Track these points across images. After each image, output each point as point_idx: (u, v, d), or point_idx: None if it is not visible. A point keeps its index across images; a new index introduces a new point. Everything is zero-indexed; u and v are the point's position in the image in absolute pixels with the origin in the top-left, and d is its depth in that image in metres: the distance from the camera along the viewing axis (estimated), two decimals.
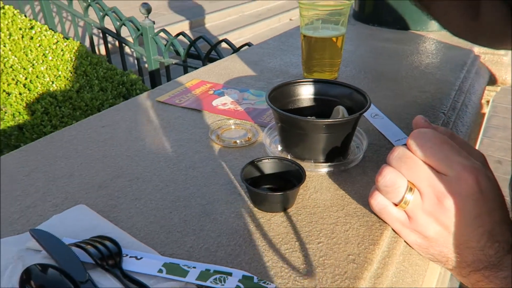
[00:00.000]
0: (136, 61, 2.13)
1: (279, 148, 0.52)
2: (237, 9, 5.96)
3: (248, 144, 0.54)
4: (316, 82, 0.55)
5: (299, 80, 0.55)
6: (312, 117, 0.53)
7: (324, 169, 0.48)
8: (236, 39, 5.07)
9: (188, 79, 0.78)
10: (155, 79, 2.11)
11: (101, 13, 2.24)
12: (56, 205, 0.43)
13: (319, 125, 0.46)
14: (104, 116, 0.64)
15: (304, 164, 0.47)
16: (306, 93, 0.55)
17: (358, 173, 0.48)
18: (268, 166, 0.45)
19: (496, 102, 3.39)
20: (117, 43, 2.36)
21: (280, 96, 0.53)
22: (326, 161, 0.48)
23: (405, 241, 0.39)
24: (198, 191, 0.44)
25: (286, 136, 0.50)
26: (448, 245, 0.36)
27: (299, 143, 0.48)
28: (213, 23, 5.35)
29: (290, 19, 6.27)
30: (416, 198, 0.36)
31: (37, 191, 0.45)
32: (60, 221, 0.39)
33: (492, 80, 0.97)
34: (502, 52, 0.94)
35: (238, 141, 0.54)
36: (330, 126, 0.46)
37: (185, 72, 1.91)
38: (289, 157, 0.49)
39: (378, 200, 0.38)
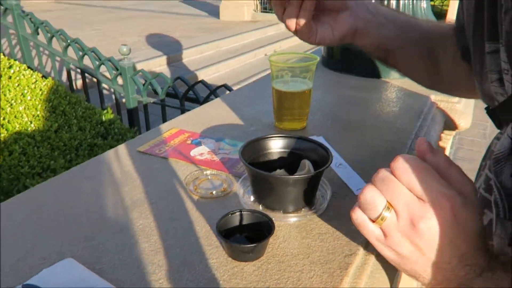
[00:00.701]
0: (114, 97, 2.17)
1: (252, 198, 0.56)
2: (213, 44, 6.13)
3: (223, 194, 0.59)
4: (285, 137, 0.61)
5: (269, 136, 0.60)
6: (281, 170, 0.58)
7: (292, 218, 0.53)
8: (213, 74, 5.19)
9: (168, 128, 0.82)
10: (133, 116, 2.15)
11: (80, 53, 2.29)
12: (44, 258, 0.46)
13: (286, 180, 0.51)
14: (86, 167, 0.67)
15: (274, 214, 0.52)
16: (275, 147, 0.61)
17: (323, 222, 0.53)
18: (241, 219, 0.50)
19: (462, 135, 3.58)
20: (95, 79, 2.40)
21: (252, 150, 0.58)
22: (294, 211, 0.53)
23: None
24: (178, 243, 0.48)
25: (257, 188, 0.55)
26: (420, 264, 0.39)
27: (269, 195, 0.54)
28: (190, 58, 5.47)
29: (265, 54, 6.47)
30: (392, 217, 0.39)
31: (26, 243, 0.48)
32: (50, 275, 0.42)
33: (451, 126, 1.06)
34: (455, 99, 1.03)
35: (214, 192, 0.59)
36: (296, 181, 0.51)
37: (163, 110, 1.96)
38: (260, 207, 0.54)
39: (357, 215, 0.41)
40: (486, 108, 0.47)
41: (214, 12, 8.89)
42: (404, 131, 0.82)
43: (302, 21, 0.59)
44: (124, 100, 2.18)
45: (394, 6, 1.11)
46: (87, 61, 2.31)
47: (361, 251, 0.48)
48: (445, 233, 0.37)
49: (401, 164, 0.39)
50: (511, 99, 0.40)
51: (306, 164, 0.56)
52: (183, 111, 1.84)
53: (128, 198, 0.58)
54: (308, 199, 0.54)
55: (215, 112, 0.91)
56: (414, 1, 1.12)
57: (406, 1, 1.11)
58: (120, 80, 2.06)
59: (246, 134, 0.80)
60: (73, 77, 2.66)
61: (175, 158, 0.69)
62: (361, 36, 0.62)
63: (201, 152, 0.72)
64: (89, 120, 1.80)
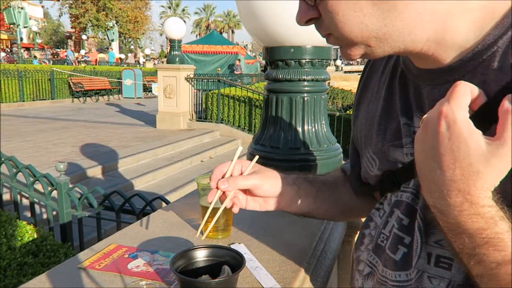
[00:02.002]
0: (46, 213, 2.16)
1: None
2: (150, 152, 6.29)
3: None
4: (208, 247, 0.74)
5: (196, 247, 0.74)
6: (206, 275, 0.71)
7: None
8: (150, 181, 5.26)
9: (106, 244, 0.92)
10: (66, 231, 2.14)
11: (14, 170, 2.31)
12: None
13: (209, 283, 0.64)
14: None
15: None
16: (201, 256, 0.73)
17: None
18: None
19: None
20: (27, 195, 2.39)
21: (182, 260, 0.70)
22: None
23: None
24: None
25: None
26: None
27: None
28: (127, 167, 5.53)
29: (201, 161, 6.73)
30: None
31: None
32: None
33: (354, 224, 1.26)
34: None
35: None
36: (217, 283, 0.64)
37: (98, 223, 1.99)
38: None
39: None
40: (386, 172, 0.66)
41: (150, 121, 9.23)
42: (311, 235, 0.99)
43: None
44: (54, 212, 2.17)
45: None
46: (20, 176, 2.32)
47: None
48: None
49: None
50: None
51: (226, 270, 0.69)
52: (118, 223, 1.89)
53: None
54: None
55: (150, 228, 1.03)
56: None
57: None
58: (53, 194, 2.09)
59: (178, 245, 0.92)
60: (3, 191, 2.61)
61: (114, 272, 0.79)
62: (285, 209, 0.82)
63: (137, 264, 0.82)
64: (20, 238, 1.78)
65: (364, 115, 0.75)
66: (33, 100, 13.24)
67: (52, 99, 14.15)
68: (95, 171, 5.03)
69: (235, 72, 15.86)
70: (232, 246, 0.89)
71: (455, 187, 0.44)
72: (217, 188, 0.75)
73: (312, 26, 0.60)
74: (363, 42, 0.55)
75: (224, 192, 0.76)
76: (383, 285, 0.62)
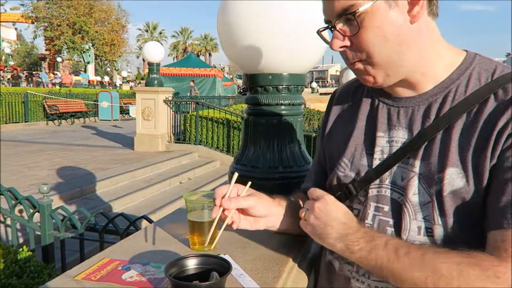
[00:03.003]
0: (29, 235, 2.16)
1: None
2: (128, 175, 6.28)
3: None
4: (198, 256, 0.82)
5: (187, 256, 0.81)
6: (196, 281, 0.78)
7: None
8: (128, 204, 5.24)
9: (99, 258, 0.98)
10: (48, 253, 2.14)
11: None
12: None
13: (199, 287, 0.72)
14: None
15: None
16: (191, 264, 0.81)
17: None
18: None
19: None
20: (8, 220, 2.38)
21: (174, 268, 0.78)
22: None
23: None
24: None
25: None
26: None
27: None
28: (105, 189, 5.50)
29: (180, 182, 6.74)
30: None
31: None
32: None
33: None
34: None
35: None
36: (207, 286, 0.72)
37: (81, 244, 2.01)
38: None
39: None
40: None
41: (128, 143, 9.20)
42: (289, 246, 1.08)
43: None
44: (37, 232, 2.17)
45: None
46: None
47: None
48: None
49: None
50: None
51: (214, 275, 0.77)
52: (102, 244, 1.92)
53: None
54: None
55: (139, 243, 1.10)
56: None
57: None
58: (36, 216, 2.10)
59: (167, 258, 0.98)
60: None
61: (110, 282, 0.85)
62: (271, 229, 0.97)
63: (131, 275, 0.89)
64: (3, 260, 1.78)
65: (341, 134, 0.94)
66: (6, 123, 12.97)
67: (25, 121, 13.89)
68: (72, 194, 4.98)
69: (190, 93, 15.79)
70: None
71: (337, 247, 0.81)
72: (220, 206, 0.87)
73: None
74: (384, 69, 0.78)
75: (223, 211, 0.87)
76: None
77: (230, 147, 8.58)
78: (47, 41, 33.31)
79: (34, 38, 33.71)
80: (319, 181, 1.00)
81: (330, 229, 0.81)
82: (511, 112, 0.71)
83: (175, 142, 9.03)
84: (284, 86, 1.42)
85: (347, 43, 0.77)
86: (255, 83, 1.43)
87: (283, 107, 1.45)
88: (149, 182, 6.19)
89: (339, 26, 0.76)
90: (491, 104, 0.74)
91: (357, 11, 0.73)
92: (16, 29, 46.08)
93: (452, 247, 0.74)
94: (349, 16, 0.74)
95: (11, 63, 36.11)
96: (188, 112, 9.25)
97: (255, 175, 1.45)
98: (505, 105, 0.73)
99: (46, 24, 31.78)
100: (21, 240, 2.95)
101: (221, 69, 22.28)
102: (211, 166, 7.95)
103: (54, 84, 23.34)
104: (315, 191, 0.87)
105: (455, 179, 0.74)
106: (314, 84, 31.18)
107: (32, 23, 31.87)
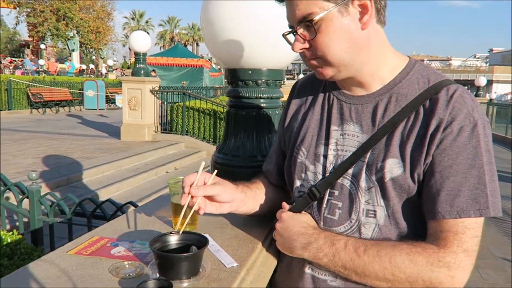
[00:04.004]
0: (18, 220, 2.23)
1: (157, 275, 0.85)
2: (114, 164, 6.32)
3: (137, 275, 0.86)
4: (179, 233, 0.93)
5: (169, 233, 0.92)
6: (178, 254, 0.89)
7: (184, 284, 0.83)
8: (114, 192, 5.30)
9: (90, 237, 1.08)
10: (37, 238, 2.22)
11: None
12: None
13: (179, 257, 0.82)
14: (18, 278, 0.89)
15: (173, 282, 0.82)
16: (173, 240, 0.92)
17: (206, 284, 0.83)
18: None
19: None
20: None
21: (158, 243, 0.88)
22: (186, 278, 0.83)
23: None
24: None
25: (162, 266, 0.84)
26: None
27: (169, 269, 0.83)
28: (91, 178, 5.54)
29: (167, 172, 6.81)
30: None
31: None
32: None
33: None
34: None
35: (131, 274, 0.86)
36: (186, 257, 0.83)
37: (70, 228, 2.10)
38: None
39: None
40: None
41: (114, 133, 9.20)
42: (261, 227, 1.19)
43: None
44: (25, 219, 2.23)
45: None
46: None
47: None
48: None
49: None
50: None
51: (193, 248, 0.88)
52: (90, 228, 2.00)
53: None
54: (195, 270, 0.85)
55: (126, 223, 1.20)
56: None
57: None
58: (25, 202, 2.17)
59: (152, 236, 1.08)
60: None
61: (100, 256, 0.95)
62: (234, 212, 1.07)
63: (119, 250, 0.99)
64: None
65: (299, 123, 1.06)
66: None
67: (9, 109, 13.71)
68: (58, 183, 5.02)
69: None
70: None
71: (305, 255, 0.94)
72: (188, 193, 0.96)
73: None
74: (337, 67, 0.89)
75: (192, 198, 0.97)
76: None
77: (216, 138, 8.66)
78: (30, 27, 32.61)
79: (16, 24, 32.97)
80: (280, 162, 1.14)
81: (294, 242, 0.94)
82: (437, 117, 0.85)
83: (162, 132, 9.07)
84: (263, 80, 1.52)
85: (307, 45, 0.89)
86: (236, 77, 1.53)
87: (262, 100, 1.55)
88: (136, 172, 6.25)
89: (300, 31, 0.88)
90: (426, 108, 0.88)
91: (314, 19, 0.84)
92: None
93: (395, 232, 0.89)
94: (308, 23, 0.85)
95: None
96: (175, 103, 9.28)
97: (235, 164, 1.56)
98: (435, 110, 0.86)
99: (29, 10, 31.09)
100: (7, 227, 3.01)
101: (209, 59, 22.15)
102: (197, 156, 8.03)
103: (38, 72, 22.95)
104: (277, 213, 1.01)
105: (394, 168, 0.87)
106: (301, 76, 31.28)
107: (15, 8, 31.12)
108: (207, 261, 0.91)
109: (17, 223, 2.57)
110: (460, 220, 0.82)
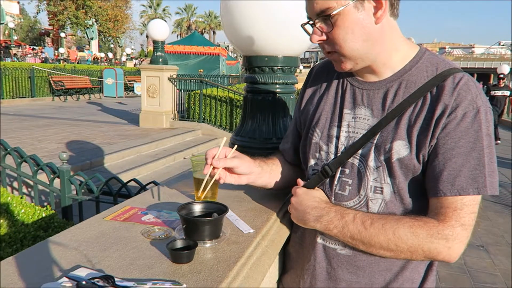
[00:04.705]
0: (50, 197, 2.41)
1: (184, 237, 0.97)
2: (134, 150, 6.51)
3: (166, 238, 0.99)
4: (202, 202, 1.04)
5: (193, 202, 1.04)
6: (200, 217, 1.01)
7: (207, 244, 0.94)
8: (135, 176, 5.48)
9: (122, 206, 1.21)
10: (67, 213, 2.39)
11: (19, 160, 2.55)
12: None
13: (203, 221, 0.94)
14: (64, 236, 1.02)
15: (197, 244, 0.93)
16: (197, 208, 1.03)
17: (226, 246, 0.95)
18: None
19: None
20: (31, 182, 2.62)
21: (184, 210, 1.00)
22: (209, 240, 0.95)
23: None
24: (137, 259, 0.87)
25: (188, 228, 0.96)
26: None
27: (194, 232, 0.95)
28: (112, 163, 5.75)
29: (184, 158, 6.98)
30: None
31: None
32: None
33: None
34: None
35: (160, 236, 0.99)
36: (209, 221, 0.94)
37: (97, 206, 2.25)
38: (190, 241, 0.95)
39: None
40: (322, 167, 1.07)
41: (133, 120, 9.42)
42: (276, 201, 1.30)
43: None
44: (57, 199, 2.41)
45: None
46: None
47: (245, 257, 0.91)
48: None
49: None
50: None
51: (215, 215, 1.00)
52: (115, 205, 2.14)
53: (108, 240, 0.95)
54: (217, 233, 0.97)
55: (153, 196, 1.32)
56: None
57: None
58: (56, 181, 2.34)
59: (177, 207, 1.21)
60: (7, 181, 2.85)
61: (133, 222, 1.08)
62: (251, 184, 1.17)
63: (149, 218, 1.11)
64: (30, 217, 2.02)
65: (314, 106, 1.14)
66: (13, 98, 13.19)
67: (32, 97, 14.10)
68: (82, 167, 5.23)
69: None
70: None
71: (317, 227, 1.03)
72: (210, 164, 1.07)
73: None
74: (354, 60, 0.97)
75: (213, 168, 1.07)
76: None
77: (232, 125, 8.78)
78: (50, 16, 33.17)
79: (37, 13, 33.57)
80: (296, 142, 1.23)
81: (307, 215, 1.03)
82: (443, 103, 0.92)
83: (179, 120, 9.24)
84: (279, 67, 1.62)
85: (324, 37, 0.97)
86: (253, 64, 1.63)
87: (277, 85, 1.65)
88: (155, 157, 6.44)
89: (318, 24, 0.96)
90: (433, 94, 0.94)
91: (331, 13, 0.92)
92: (18, 3, 45.69)
93: (400, 207, 0.99)
94: (325, 17, 0.93)
95: (15, 37, 36.03)
96: (192, 90, 9.43)
97: (252, 145, 1.67)
98: (441, 96, 0.93)
99: None
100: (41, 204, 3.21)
101: (225, 47, 22.20)
102: (214, 143, 8.18)
103: (59, 60, 23.40)
104: (292, 189, 1.10)
105: (401, 149, 0.95)
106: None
107: None
108: (227, 228, 1.02)
109: (44, 202, 2.76)
110: (459, 197, 0.90)
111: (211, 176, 1.08)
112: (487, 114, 0.92)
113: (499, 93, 10.88)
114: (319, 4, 0.93)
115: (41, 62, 20.67)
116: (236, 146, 1.13)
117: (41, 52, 26.67)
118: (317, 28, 0.96)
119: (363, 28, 0.93)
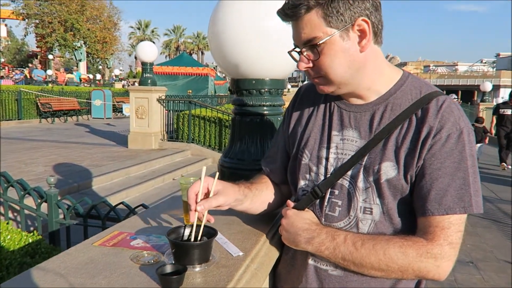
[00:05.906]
0: (37, 222, 2.37)
1: (173, 261, 0.97)
2: (123, 171, 6.46)
3: (155, 262, 0.99)
4: (192, 226, 1.05)
5: (182, 225, 1.04)
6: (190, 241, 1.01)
7: (197, 268, 0.95)
8: (124, 198, 5.42)
9: (111, 231, 1.20)
10: (54, 238, 2.35)
11: (5, 185, 2.52)
12: None
13: (192, 244, 0.95)
14: (56, 261, 1.02)
15: (188, 267, 0.94)
16: (186, 231, 1.04)
17: (215, 270, 0.95)
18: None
19: None
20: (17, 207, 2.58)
21: (174, 234, 1.01)
22: (199, 263, 0.95)
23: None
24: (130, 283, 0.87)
25: (177, 253, 0.96)
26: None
27: (184, 256, 0.95)
28: (101, 185, 5.69)
29: (173, 179, 6.94)
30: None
31: None
32: None
33: None
34: None
35: (149, 261, 0.99)
36: (198, 245, 0.95)
37: (85, 230, 2.23)
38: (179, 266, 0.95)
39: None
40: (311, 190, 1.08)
41: (122, 141, 9.37)
42: (265, 224, 1.31)
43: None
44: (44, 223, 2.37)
45: None
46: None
47: (234, 280, 0.91)
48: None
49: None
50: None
51: (204, 238, 1.00)
52: (104, 230, 2.12)
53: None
54: (206, 257, 0.97)
55: (143, 220, 1.32)
56: None
57: None
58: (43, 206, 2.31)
59: (166, 231, 1.21)
60: None
61: (122, 247, 1.08)
62: (233, 208, 1.16)
63: (138, 242, 1.11)
64: (16, 243, 1.98)
65: (303, 127, 1.16)
66: None
67: (19, 119, 13.97)
68: (70, 189, 5.16)
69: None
70: None
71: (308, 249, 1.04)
72: (195, 210, 1.02)
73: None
74: (337, 85, 1.00)
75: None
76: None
77: (221, 145, 8.79)
78: (38, 38, 33.16)
79: (25, 35, 33.54)
80: (285, 161, 1.22)
81: (299, 237, 1.04)
82: (428, 125, 0.95)
83: (168, 140, 9.22)
84: (266, 89, 1.65)
85: (311, 65, 1.00)
86: (240, 87, 1.66)
87: (265, 108, 1.68)
88: (143, 179, 6.39)
89: (305, 52, 0.99)
90: (418, 116, 0.98)
91: (318, 43, 0.95)
92: (6, 25, 45.66)
93: (389, 227, 1.00)
94: (312, 46, 0.96)
95: (2, 60, 35.87)
96: (181, 111, 9.45)
97: (241, 167, 1.69)
98: (426, 118, 0.96)
99: (37, 21, 31.64)
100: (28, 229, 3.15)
101: (214, 67, 22.38)
102: (203, 163, 8.16)
103: (46, 82, 23.31)
104: (282, 210, 1.12)
105: (389, 170, 0.98)
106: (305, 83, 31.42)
107: (23, 19, 31.69)
108: (216, 251, 1.03)
109: (31, 227, 2.71)
110: (447, 216, 0.93)
111: (200, 220, 1.04)
112: (470, 135, 0.96)
113: (508, 112, 9.20)
114: (306, 33, 0.96)
115: (14, 84, 20.48)
116: (217, 174, 1.11)
117: (15, 73, 26.43)
118: (304, 56, 0.99)
119: (348, 56, 0.96)
